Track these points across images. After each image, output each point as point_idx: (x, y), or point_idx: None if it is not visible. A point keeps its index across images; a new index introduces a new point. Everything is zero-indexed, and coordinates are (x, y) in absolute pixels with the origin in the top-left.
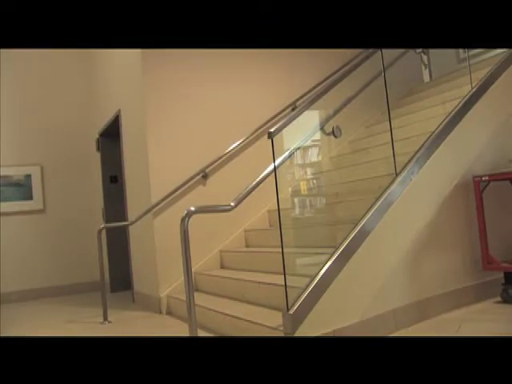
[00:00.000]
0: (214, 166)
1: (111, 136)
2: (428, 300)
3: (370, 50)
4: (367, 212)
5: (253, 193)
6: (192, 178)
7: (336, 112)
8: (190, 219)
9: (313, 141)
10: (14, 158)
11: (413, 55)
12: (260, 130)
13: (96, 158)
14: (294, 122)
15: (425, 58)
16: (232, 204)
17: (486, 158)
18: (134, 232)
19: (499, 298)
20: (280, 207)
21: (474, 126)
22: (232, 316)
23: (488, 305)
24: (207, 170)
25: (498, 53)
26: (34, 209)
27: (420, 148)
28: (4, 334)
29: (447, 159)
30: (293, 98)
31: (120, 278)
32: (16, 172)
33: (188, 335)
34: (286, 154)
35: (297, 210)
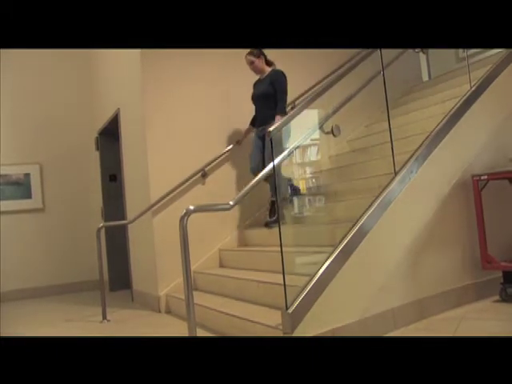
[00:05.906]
0: (213, 164)
1: (110, 135)
2: (427, 299)
3: (370, 50)
4: (366, 211)
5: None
6: (191, 177)
7: (335, 111)
8: (189, 218)
9: (312, 140)
10: (13, 157)
11: (412, 54)
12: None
13: (95, 156)
14: (293, 121)
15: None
16: (231, 203)
17: (485, 157)
18: (133, 231)
19: (498, 297)
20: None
21: (473, 125)
22: (231, 315)
23: (487, 304)
24: (206, 169)
25: (496, 52)
26: (33, 207)
27: (419, 147)
28: (3, 333)
29: (446, 158)
30: (292, 98)
31: (119, 276)
32: (15, 171)
33: (187, 334)
34: (286, 152)
35: (296, 209)
